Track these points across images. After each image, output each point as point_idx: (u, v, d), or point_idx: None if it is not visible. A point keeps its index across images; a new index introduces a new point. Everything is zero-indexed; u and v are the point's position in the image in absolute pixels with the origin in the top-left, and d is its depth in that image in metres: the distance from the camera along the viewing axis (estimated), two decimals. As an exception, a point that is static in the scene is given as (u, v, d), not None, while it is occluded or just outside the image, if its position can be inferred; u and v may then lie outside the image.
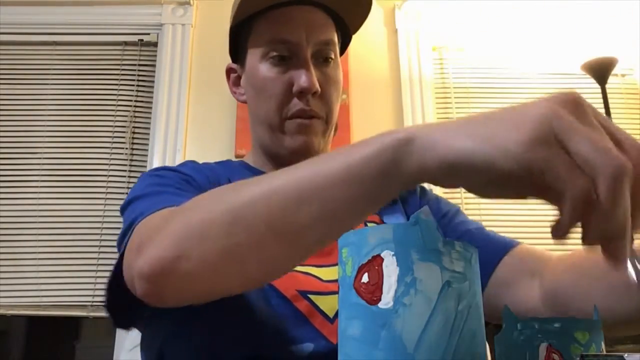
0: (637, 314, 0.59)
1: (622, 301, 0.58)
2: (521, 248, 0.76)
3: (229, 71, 0.91)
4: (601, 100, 2.01)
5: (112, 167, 2.15)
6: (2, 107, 2.18)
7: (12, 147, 2.15)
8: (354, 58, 2.25)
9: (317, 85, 0.79)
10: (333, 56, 0.83)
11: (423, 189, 0.92)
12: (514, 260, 0.74)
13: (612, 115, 2.01)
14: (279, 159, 0.84)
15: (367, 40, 2.30)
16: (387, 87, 2.26)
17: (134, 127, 2.19)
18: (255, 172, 0.86)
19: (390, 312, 0.33)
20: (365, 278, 0.34)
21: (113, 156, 2.16)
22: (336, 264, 0.68)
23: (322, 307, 0.69)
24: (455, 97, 2.29)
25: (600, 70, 1.99)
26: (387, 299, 0.33)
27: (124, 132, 2.19)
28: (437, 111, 2.25)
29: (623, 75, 2.31)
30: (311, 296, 0.69)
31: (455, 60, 2.32)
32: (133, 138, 2.19)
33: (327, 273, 0.73)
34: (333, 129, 0.88)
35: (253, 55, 0.83)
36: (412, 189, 0.90)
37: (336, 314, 0.67)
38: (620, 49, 1.99)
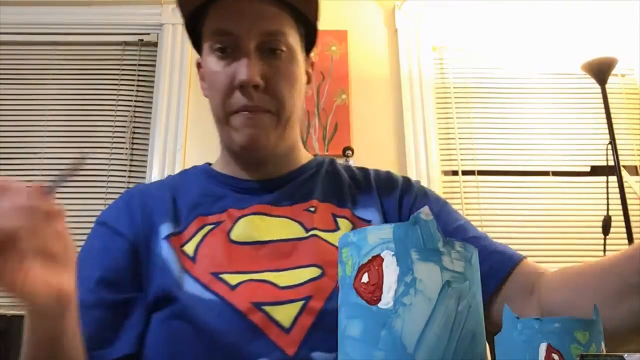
0: (631, 327, 0.60)
1: (614, 315, 0.58)
2: (526, 263, 0.75)
3: (198, 65, 0.88)
4: (601, 100, 2.01)
5: (112, 167, 2.15)
6: (2, 107, 2.18)
7: (12, 147, 2.15)
8: (354, 58, 2.25)
9: (257, 78, 0.75)
10: (284, 48, 0.78)
11: (407, 181, 0.88)
12: (519, 277, 0.73)
13: (612, 115, 2.00)
14: (236, 156, 0.83)
15: (367, 40, 2.30)
16: (387, 87, 2.26)
17: (134, 127, 2.19)
18: (212, 177, 0.85)
19: (390, 312, 0.33)
20: (365, 278, 0.34)
21: (113, 156, 2.16)
22: (293, 268, 0.72)
23: (277, 318, 0.67)
24: (455, 97, 2.28)
25: (600, 70, 1.99)
26: (387, 299, 0.33)
27: (124, 132, 2.19)
28: (437, 111, 2.25)
29: (623, 75, 2.31)
30: (266, 307, 0.68)
31: (455, 60, 2.32)
32: (133, 138, 2.19)
33: (285, 278, 0.71)
34: (293, 123, 0.83)
35: (205, 48, 0.81)
36: (393, 180, 0.87)
37: (293, 323, 0.67)
38: (620, 49, 1.99)
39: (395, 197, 0.84)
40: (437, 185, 2.12)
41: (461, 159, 2.21)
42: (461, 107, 2.28)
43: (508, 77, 2.31)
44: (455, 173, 2.19)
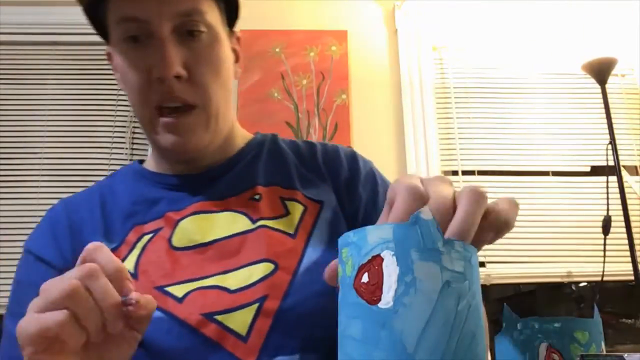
0: None
1: None
2: None
3: (109, 56, 0.77)
4: (601, 100, 2.01)
5: (112, 167, 2.14)
6: (2, 107, 2.18)
7: (12, 147, 2.15)
8: (354, 58, 2.25)
9: (178, 68, 0.66)
10: (203, 28, 0.69)
11: (353, 157, 0.81)
12: None
13: (612, 115, 2.01)
14: (166, 157, 0.76)
15: (367, 40, 2.30)
16: (387, 87, 2.26)
17: (134, 127, 2.18)
18: (144, 178, 0.77)
19: (390, 312, 0.33)
20: (365, 278, 0.34)
21: (113, 156, 2.16)
22: (243, 266, 0.66)
23: (232, 327, 0.62)
24: (455, 97, 2.28)
25: (600, 70, 1.99)
26: (387, 299, 0.33)
27: (124, 132, 2.19)
28: (437, 111, 2.25)
29: (623, 75, 2.31)
30: (219, 317, 0.62)
31: (455, 60, 2.32)
32: (133, 138, 2.19)
33: (235, 280, 0.65)
34: (225, 112, 0.74)
35: (112, 39, 0.71)
36: (340, 158, 0.80)
37: (250, 330, 0.62)
38: (620, 49, 1.99)
39: (343, 176, 0.77)
40: (437, 185, 2.12)
41: (461, 159, 2.21)
42: (461, 107, 2.28)
43: (508, 77, 2.31)
44: (455, 173, 2.19)
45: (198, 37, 0.69)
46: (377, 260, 0.34)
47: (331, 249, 0.68)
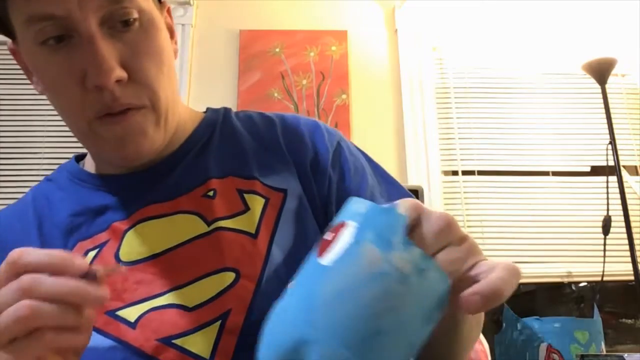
0: None
1: None
2: None
3: (13, 52, 0.64)
4: (601, 100, 2.01)
5: (112, 167, 2.14)
6: (2, 107, 2.18)
7: (12, 147, 2.15)
8: (354, 58, 2.25)
9: (118, 71, 0.55)
10: (135, 14, 0.57)
11: (317, 131, 0.70)
12: None
13: (612, 115, 2.00)
14: (112, 164, 0.65)
15: (367, 40, 2.30)
16: (387, 87, 2.26)
17: (134, 127, 2.19)
18: (83, 182, 0.67)
19: (322, 268, 0.36)
20: (327, 236, 0.38)
21: (113, 156, 2.16)
22: (200, 278, 0.58)
23: (194, 350, 0.55)
24: (455, 97, 2.28)
25: (600, 70, 1.99)
26: (328, 257, 0.36)
27: (124, 132, 2.18)
28: (437, 111, 2.25)
29: (623, 75, 2.31)
30: (177, 341, 0.55)
31: (455, 60, 2.32)
32: (133, 138, 2.19)
33: (192, 295, 0.57)
34: (174, 104, 0.63)
35: (23, 37, 0.58)
36: (301, 134, 0.70)
37: (213, 352, 0.55)
38: (620, 49, 1.99)
39: (308, 157, 0.67)
40: (437, 185, 2.12)
41: (461, 159, 2.21)
42: (461, 107, 2.28)
43: (508, 77, 2.31)
44: (455, 173, 2.19)
45: (132, 26, 0.57)
46: (342, 225, 0.37)
47: (299, 244, 0.61)
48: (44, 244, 0.62)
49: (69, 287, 0.41)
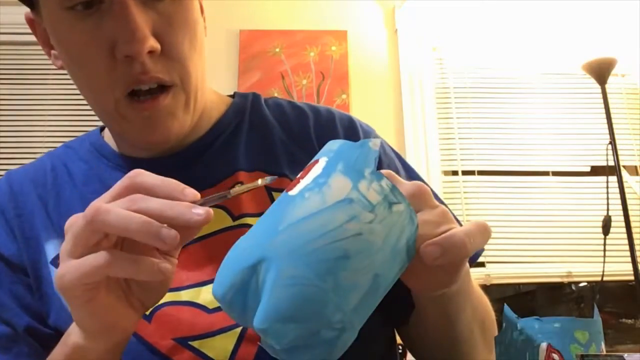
0: None
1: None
2: None
3: (30, 22, 0.59)
4: (601, 100, 2.01)
5: (112, 167, 2.14)
6: (2, 107, 2.19)
7: (12, 147, 2.15)
8: (354, 58, 2.25)
9: (151, 41, 0.52)
10: None
11: (352, 126, 0.68)
12: None
13: (612, 115, 2.00)
14: (136, 146, 0.62)
15: (367, 40, 2.30)
16: (387, 87, 2.26)
17: (134, 127, 2.19)
18: (103, 158, 0.64)
19: (290, 197, 0.36)
20: (300, 175, 0.38)
21: (113, 156, 2.16)
22: None
23: (211, 355, 0.52)
24: (455, 98, 2.28)
25: (600, 70, 1.99)
26: (297, 189, 0.36)
27: (124, 132, 2.19)
28: (437, 111, 2.25)
29: (623, 75, 2.31)
30: (194, 342, 0.52)
31: (455, 60, 2.32)
32: (133, 138, 2.19)
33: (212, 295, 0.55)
34: (203, 84, 0.62)
35: (46, 2, 0.54)
36: (336, 132, 0.67)
37: (231, 359, 0.52)
38: (620, 49, 1.99)
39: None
40: (437, 185, 2.12)
41: (461, 159, 2.21)
42: (461, 107, 2.28)
43: (508, 77, 2.31)
44: (455, 173, 2.19)
45: None
46: (314, 163, 0.38)
47: None
48: (60, 215, 0.59)
49: (174, 209, 0.39)
